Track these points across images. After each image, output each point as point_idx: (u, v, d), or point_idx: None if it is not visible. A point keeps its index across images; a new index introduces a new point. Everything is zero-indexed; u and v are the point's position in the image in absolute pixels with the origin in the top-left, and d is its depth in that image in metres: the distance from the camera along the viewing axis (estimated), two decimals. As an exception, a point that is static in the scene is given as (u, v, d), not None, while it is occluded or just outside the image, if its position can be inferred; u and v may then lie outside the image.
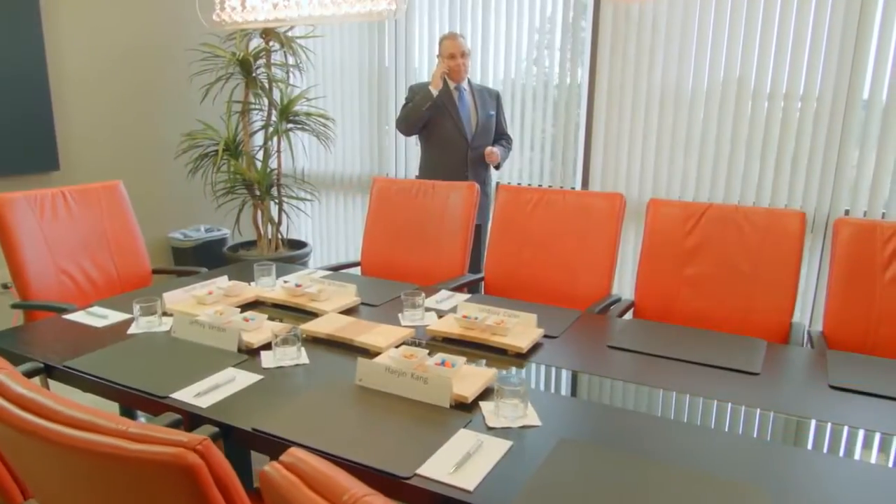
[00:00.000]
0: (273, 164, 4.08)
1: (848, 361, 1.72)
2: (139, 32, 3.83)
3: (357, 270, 2.87)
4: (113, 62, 3.71)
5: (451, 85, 3.32)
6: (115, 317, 1.98)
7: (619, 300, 2.37)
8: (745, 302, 2.18)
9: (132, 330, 1.88)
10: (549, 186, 3.76)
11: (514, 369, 1.67)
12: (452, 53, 3.24)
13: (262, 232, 4.11)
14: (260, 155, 4.07)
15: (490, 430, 1.34)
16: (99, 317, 1.98)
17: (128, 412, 2.53)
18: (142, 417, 2.65)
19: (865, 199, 3.02)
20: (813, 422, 1.40)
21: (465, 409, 1.43)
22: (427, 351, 1.61)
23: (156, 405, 1.46)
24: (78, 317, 1.99)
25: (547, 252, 2.50)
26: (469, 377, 1.52)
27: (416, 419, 1.37)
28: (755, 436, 1.34)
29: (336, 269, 2.71)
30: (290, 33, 4.09)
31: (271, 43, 3.96)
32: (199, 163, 3.95)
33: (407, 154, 4.21)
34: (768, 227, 2.17)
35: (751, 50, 3.12)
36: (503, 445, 1.27)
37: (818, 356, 1.78)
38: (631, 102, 3.42)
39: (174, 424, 1.38)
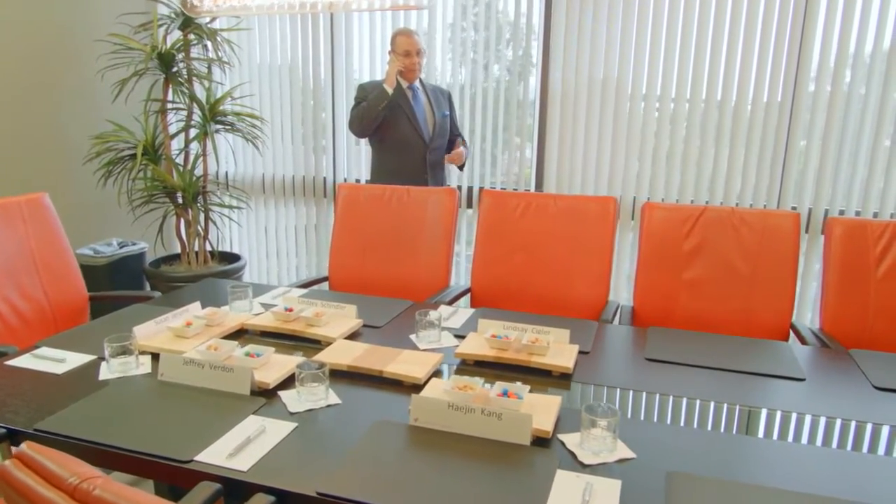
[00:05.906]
0: (198, 169, 3.69)
1: (875, 359, 1.75)
2: (36, 20, 3.30)
3: (326, 286, 2.63)
4: (4, 54, 3.17)
5: (404, 84, 3.13)
6: (74, 359, 1.64)
7: (618, 307, 2.31)
8: (746, 303, 2.19)
9: (104, 375, 1.55)
10: (503, 189, 3.67)
11: (593, 397, 1.54)
12: (408, 51, 3.05)
13: (187, 244, 3.70)
14: (180, 159, 3.66)
15: (585, 467, 1.20)
16: (54, 360, 1.62)
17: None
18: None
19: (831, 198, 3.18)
20: (887, 428, 1.39)
21: (544, 444, 1.28)
22: (481, 380, 1.45)
23: (180, 473, 1.19)
24: (24, 362, 1.62)
25: (539, 259, 2.40)
26: (535, 407, 1.37)
27: (499, 461, 1.20)
28: (834, 447, 1.30)
29: (305, 285, 2.46)
30: (212, 25, 3.72)
31: (191, 36, 3.57)
32: (112, 168, 3.49)
33: (348, 156, 3.96)
34: (764, 229, 2.20)
35: (702, 54, 3.20)
36: (613, 486, 1.14)
37: (842, 356, 1.80)
38: (586, 103, 3.40)
39: (214, 497, 1.12)
